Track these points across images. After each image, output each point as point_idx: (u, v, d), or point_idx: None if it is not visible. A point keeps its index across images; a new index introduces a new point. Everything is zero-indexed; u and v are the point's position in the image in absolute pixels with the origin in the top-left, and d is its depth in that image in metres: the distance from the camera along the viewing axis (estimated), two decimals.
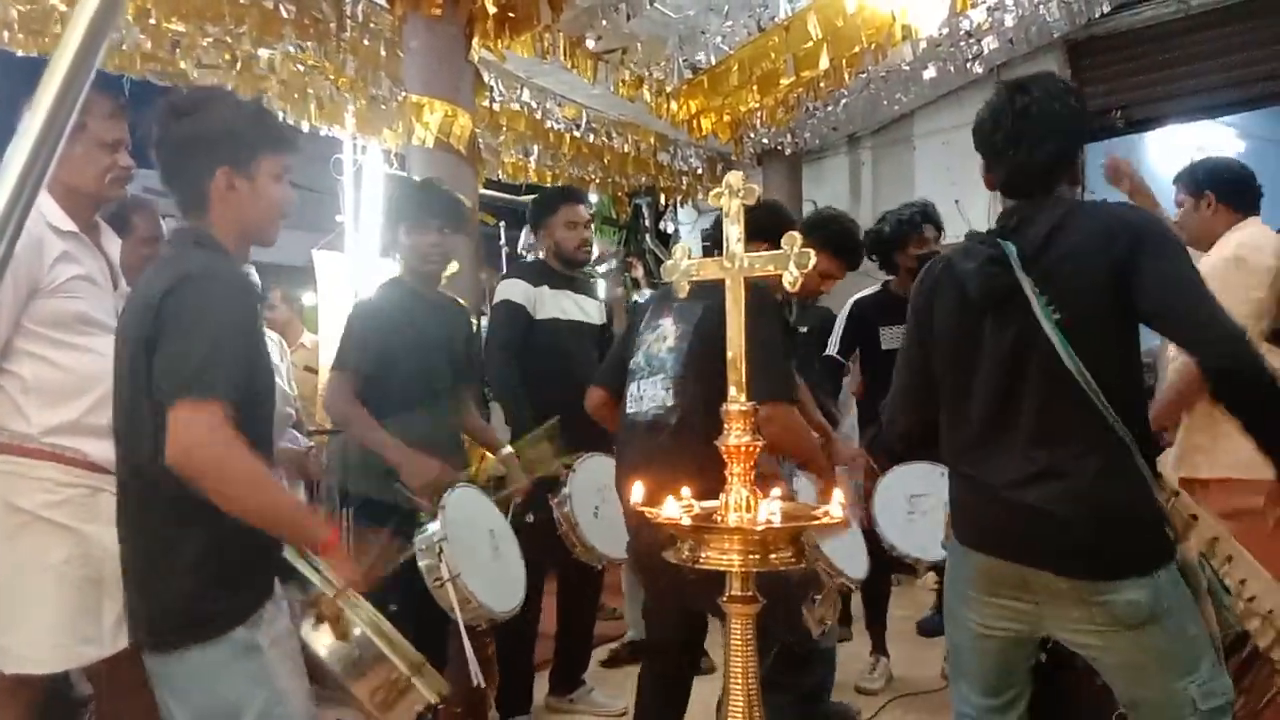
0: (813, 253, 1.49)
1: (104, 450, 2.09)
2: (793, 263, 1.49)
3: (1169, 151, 6.25)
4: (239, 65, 4.14)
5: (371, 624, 1.90)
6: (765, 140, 6.46)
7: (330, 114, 4.76)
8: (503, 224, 7.06)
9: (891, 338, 3.81)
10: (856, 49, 4.86)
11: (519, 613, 2.82)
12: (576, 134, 5.71)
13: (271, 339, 2.74)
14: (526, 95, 5.23)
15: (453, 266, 3.28)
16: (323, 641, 1.83)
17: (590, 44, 4.70)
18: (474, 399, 3.54)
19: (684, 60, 5.24)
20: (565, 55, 4.56)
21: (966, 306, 1.93)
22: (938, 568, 3.39)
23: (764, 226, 2.02)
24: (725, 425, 1.49)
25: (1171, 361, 2.97)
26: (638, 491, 1.54)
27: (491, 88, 4.77)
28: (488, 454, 3.36)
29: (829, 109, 6.29)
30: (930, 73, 5.89)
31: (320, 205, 6.32)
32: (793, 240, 1.49)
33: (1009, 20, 5.40)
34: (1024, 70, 5.94)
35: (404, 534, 2.53)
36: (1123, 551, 1.79)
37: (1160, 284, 1.76)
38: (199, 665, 1.70)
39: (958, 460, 2.01)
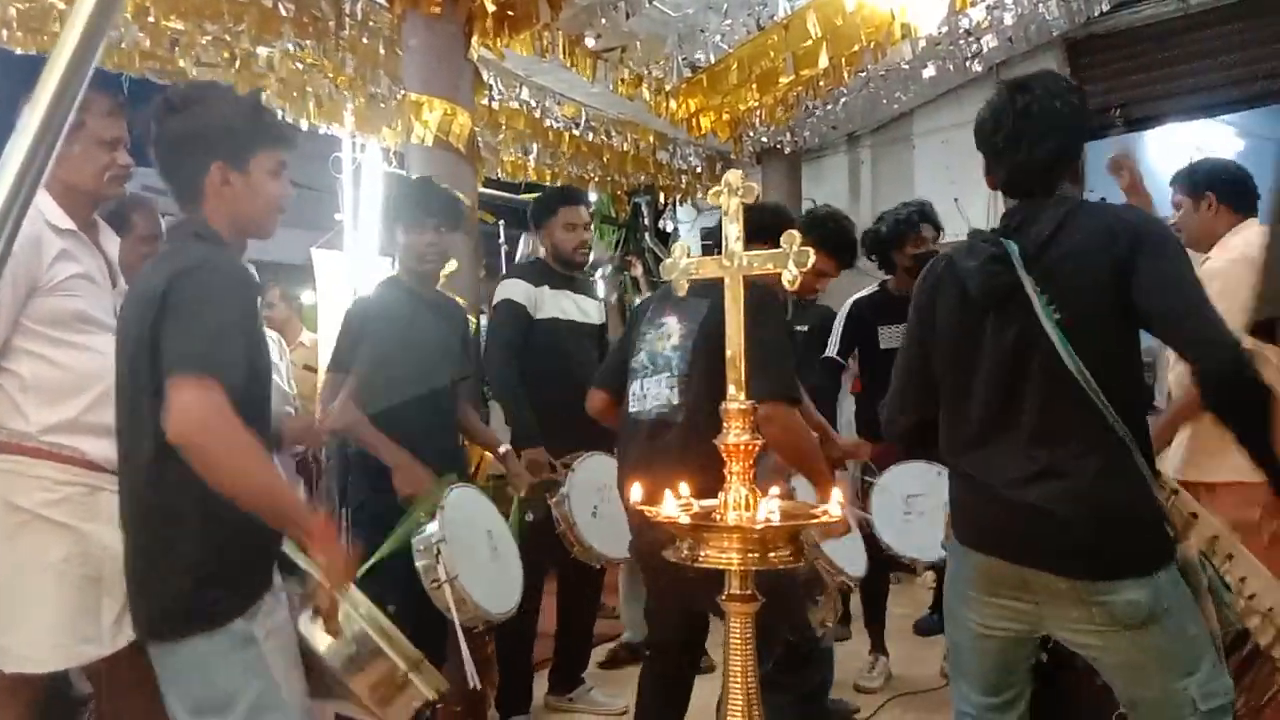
0: (812, 251, 1.49)
1: (103, 449, 2.09)
2: (792, 261, 1.49)
3: (1168, 150, 6.24)
4: (238, 63, 4.13)
5: (370, 619, 1.90)
6: (764, 139, 6.45)
7: (329, 112, 4.75)
8: (502, 223, 7.05)
9: (889, 337, 3.81)
10: (856, 47, 4.86)
11: (519, 612, 2.82)
12: (576, 132, 5.70)
13: (271, 338, 2.74)
14: (526, 93, 5.23)
15: (451, 265, 3.28)
16: (321, 636, 1.84)
17: (589, 42, 4.69)
18: (473, 398, 3.54)
19: (683, 59, 5.24)
20: (564, 53, 4.55)
21: (968, 305, 1.93)
22: (936, 567, 3.40)
23: (764, 226, 2.01)
24: (724, 423, 1.49)
25: (1171, 369, 2.96)
26: (638, 491, 1.54)
27: (490, 86, 4.76)
28: (486, 454, 3.36)
29: (828, 107, 6.28)
30: (929, 71, 5.89)
31: (319, 204, 6.32)
32: (792, 239, 1.50)
33: (1008, 19, 5.39)
34: (1023, 68, 5.94)
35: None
36: (1122, 551, 1.79)
37: (1158, 286, 1.76)
38: (196, 655, 1.71)
39: (957, 459, 2.01)
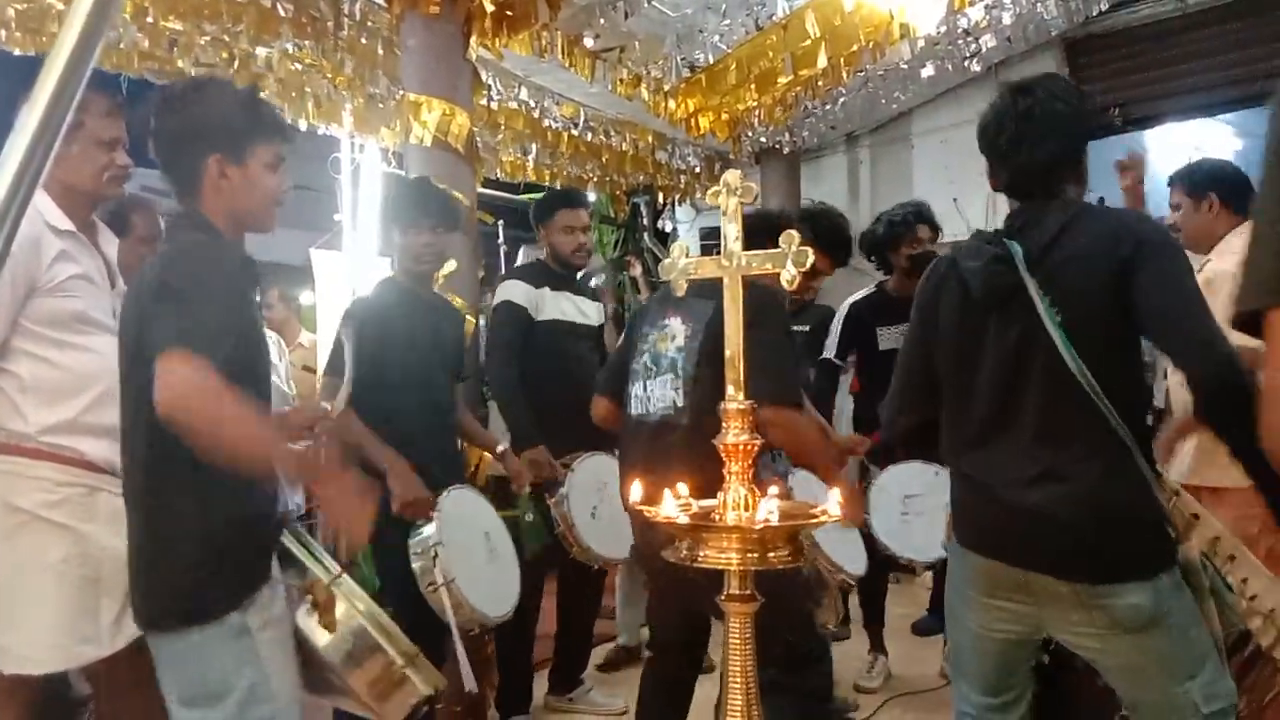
0: (811, 251, 1.49)
1: (102, 449, 2.09)
2: (790, 261, 1.49)
3: (1167, 149, 6.25)
4: (236, 64, 4.13)
5: (367, 613, 1.90)
6: (763, 139, 6.45)
7: (328, 112, 4.75)
8: (501, 223, 7.05)
9: (889, 338, 3.81)
10: (854, 47, 4.85)
11: (518, 612, 2.82)
12: (574, 132, 5.70)
13: (270, 338, 2.73)
14: (524, 94, 5.22)
15: (450, 265, 3.28)
16: (318, 629, 1.84)
17: (588, 42, 4.69)
18: (471, 399, 3.54)
19: (682, 59, 5.23)
20: (563, 54, 4.55)
21: (971, 305, 1.93)
22: (934, 567, 3.40)
23: (764, 230, 2.01)
24: (723, 423, 1.49)
25: (1171, 374, 2.95)
26: (638, 491, 1.54)
27: (489, 86, 4.76)
28: (486, 455, 3.36)
29: (827, 107, 6.28)
30: (928, 71, 5.88)
31: (318, 204, 6.32)
32: (790, 239, 1.50)
33: (1007, 18, 5.39)
34: (1022, 68, 5.95)
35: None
36: (1124, 554, 1.79)
37: (1157, 292, 1.76)
38: (190, 645, 1.72)
39: (958, 459, 2.01)
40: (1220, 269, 2.75)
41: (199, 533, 1.72)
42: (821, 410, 3.60)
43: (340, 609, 1.87)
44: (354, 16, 4.07)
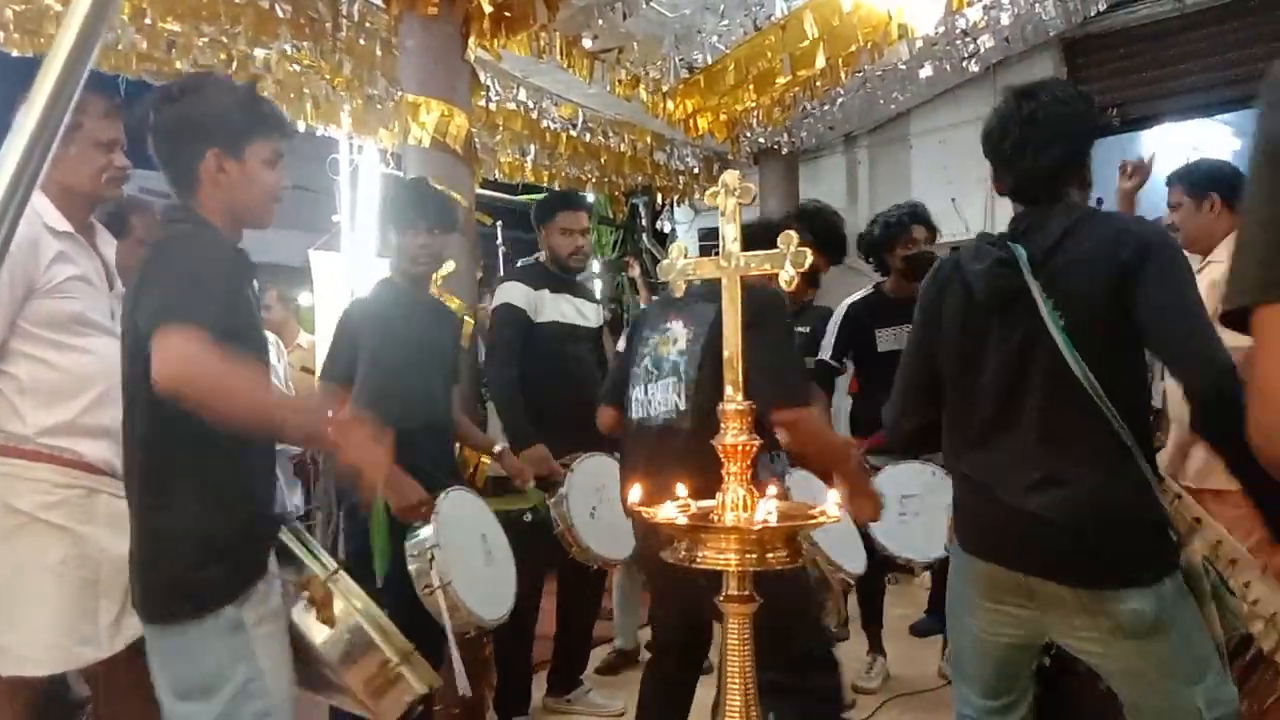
0: (809, 252, 1.49)
1: (100, 451, 2.09)
2: (789, 262, 1.49)
3: (1165, 150, 6.26)
4: (235, 65, 4.13)
5: (364, 611, 1.90)
6: (762, 139, 6.46)
7: (326, 114, 4.75)
8: (499, 224, 7.06)
9: (887, 339, 3.80)
10: (853, 48, 4.85)
11: (517, 613, 2.81)
12: (573, 133, 5.70)
13: (268, 339, 2.73)
14: (523, 94, 5.22)
15: (448, 266, 3.27)
16: (314, 625, 1.84)
17: (586, 43, 4.69)
18: (470, 400, 3.54)
19: (680, 59, 5.24)
20: (561, 55, 4.55)
21: (974, 307, 1.93)
22: (932, 567, 3.40)
23: (763, 241, 2.01)
24: (722, 424, 1.49)
25: (1167, 380, 2.95)
26: (637, 492, 1.54)
27: (488, 87, 4.76)
28: (484, 457, 3.35)
29: (825, 108, 6.28)
30: (926, 71, 5.89)
31: (316, 205, 6.32)
32: (789, 239, 1.49)
33: (1005, 19, 5.40)
34: (1020, 69, 5.96)
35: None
36: (1126, 558, 1.79)
37: (1157, 300, 1.75)
38: (185, 638, 1.73)
39: (959, 460, 2.01)
40: (1226, 271, 2.74)
41: (196, 527, 1.73)
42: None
43: (337, 606, 1.88)
44: (352, 17, 4.07)
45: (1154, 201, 3.37)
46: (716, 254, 1.58)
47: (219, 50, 4.08)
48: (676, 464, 2.23)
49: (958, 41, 5.60)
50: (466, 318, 3.40)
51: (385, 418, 2.71)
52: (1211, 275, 2.70)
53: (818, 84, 5.43)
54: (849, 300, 4.02)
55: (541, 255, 3.77)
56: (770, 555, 1.40)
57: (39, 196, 2.07)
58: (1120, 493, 1.79)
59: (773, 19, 4.91)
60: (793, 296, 2.41)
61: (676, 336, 2.46)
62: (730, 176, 1.56)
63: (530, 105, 5.29)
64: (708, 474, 1.55)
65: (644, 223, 7.95)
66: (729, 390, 1.51)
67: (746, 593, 1.43)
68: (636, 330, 2.64)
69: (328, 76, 4.45)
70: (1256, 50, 5.57)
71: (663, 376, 2.45)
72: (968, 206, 5.86)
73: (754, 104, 5.63)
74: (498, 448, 3.23)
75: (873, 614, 3.95)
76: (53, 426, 2.09)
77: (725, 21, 4.98)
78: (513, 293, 3.51)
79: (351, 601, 1.90)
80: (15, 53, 3.62)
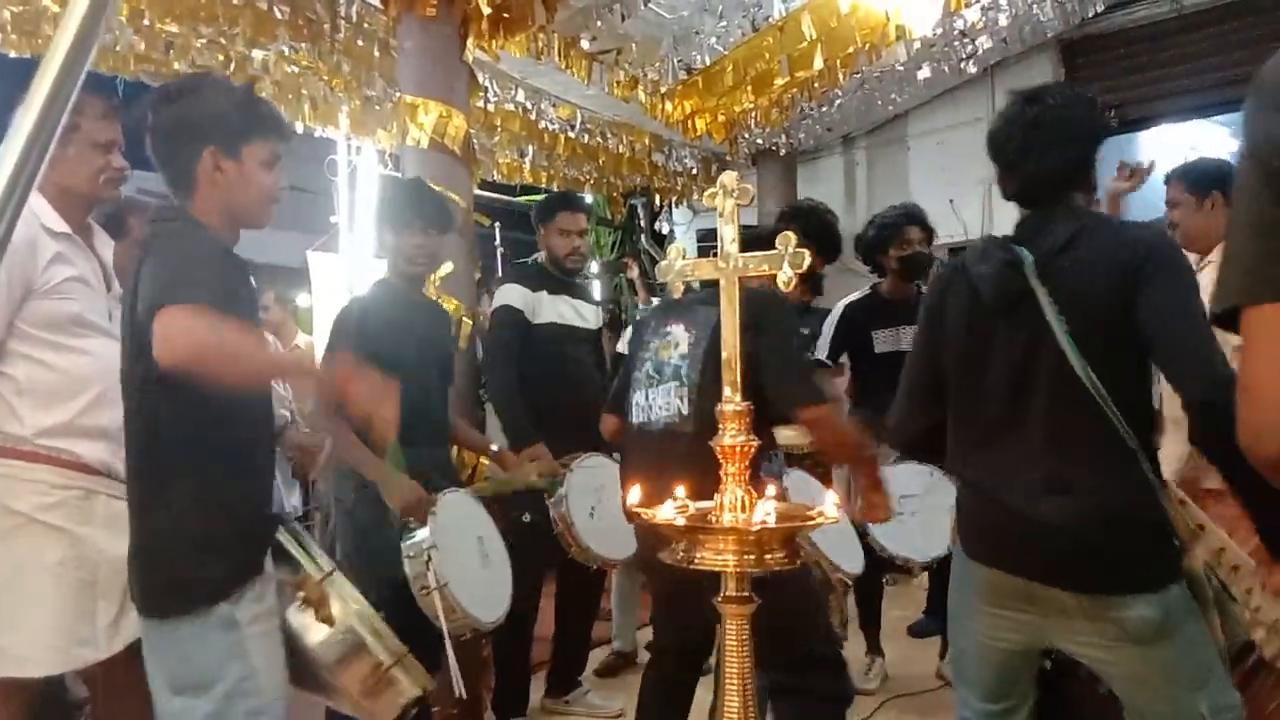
0: (808, 253, 1.49)
1: (98, 452, 2.09)
2: (787, 262, 1.49)
3: (1162, 150, 6.27)
4: (233, 66, 4.13)
5: (358, 612, 1.90)
6: (760, 141, 6.47)
7: (324, 115, 4.75)
8: (498, 225, 7.06)
9: (884, 340, 3.81)
10: (851, 49, 4.86)
11: (516, 613, 2.81)
12: (571, 135, 5.70)
13: (267, 340, 2.73)
14: (521, 96, 5.22)
15: (447, 267, 3.27)
16: (309, 626, 1.84)
17: (585, 44, 4.70)
18: (468, 401, 3.53)
19: (678, 61, 5.24)
20: (560, 56, 4.56)
21: (979, 309, 1.93)
22: (930, 567, 3.40)
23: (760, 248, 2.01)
24: (720, 425, 1.49)
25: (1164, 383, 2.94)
26: (636, 493, 1.54)
27: (486, 88, 4.76)
28: (483, 459, 3.35)
29: (823, 109, 6.29)
30: (924, 73, 5.90)
31: (314, 206, 6.32)
32: (787, 240, 1.49)
33: (1003, 20, 5.41)
34: (1018, 70, 5.97)
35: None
36: (1130, 560, 1.78)
37: (1159, 309, 1.75)
38: (179, 634, 1.73)
39: (963, 463, 2.00)
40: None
41: (195, 525, 1.73)
42: None
43: (333, 608, 1.88)
44: (350, 19, 4.07)
45: (1151, 200, 3.37)
46: (715, 255, 1.58)
47: (217, 51, 4.08)
48: (679, 468, 2.22)
49: (955, 43, 5.61)
50: (465, 318, 3.40)
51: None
52: (1210, 275, 2.70)
53: (816, 85, 5.44)
54: (845, 301, 4.02)
55: (540, 256, 3.77)
56: (769, 556, 1.40)
57: (37, 198, 2.07)
58: (1124, 494, 1.79)
59: (771, 20, 4.92)
60: (794, 298, 2.41)
61: (677, 340, 2.46)
62: (728, 177, 1.56)
63: (529, 106, 5.29)
64: (710, 477, 1.54)
65: (642, 224, 7.95)
66: (727, 391, 1.51)
67: (745, 594, 1.43)
68: (637, 335, 2.64)
69: (326, 77, 4.46)
70: (1254, 51, 5.56)
71: (664, 381, 2.44)
72: (965, 207, 5.87)
73: (752, 105, 5.64)
74: (494, 448, 3.23)
75: (871, 615, 3.95)
76: (50, 428, 2.08)
77: (723, 23, 4.99)
78: (511, 294, 3.51)
79: (347, 603, 1.90)
80: (13, 54, 3.62)
